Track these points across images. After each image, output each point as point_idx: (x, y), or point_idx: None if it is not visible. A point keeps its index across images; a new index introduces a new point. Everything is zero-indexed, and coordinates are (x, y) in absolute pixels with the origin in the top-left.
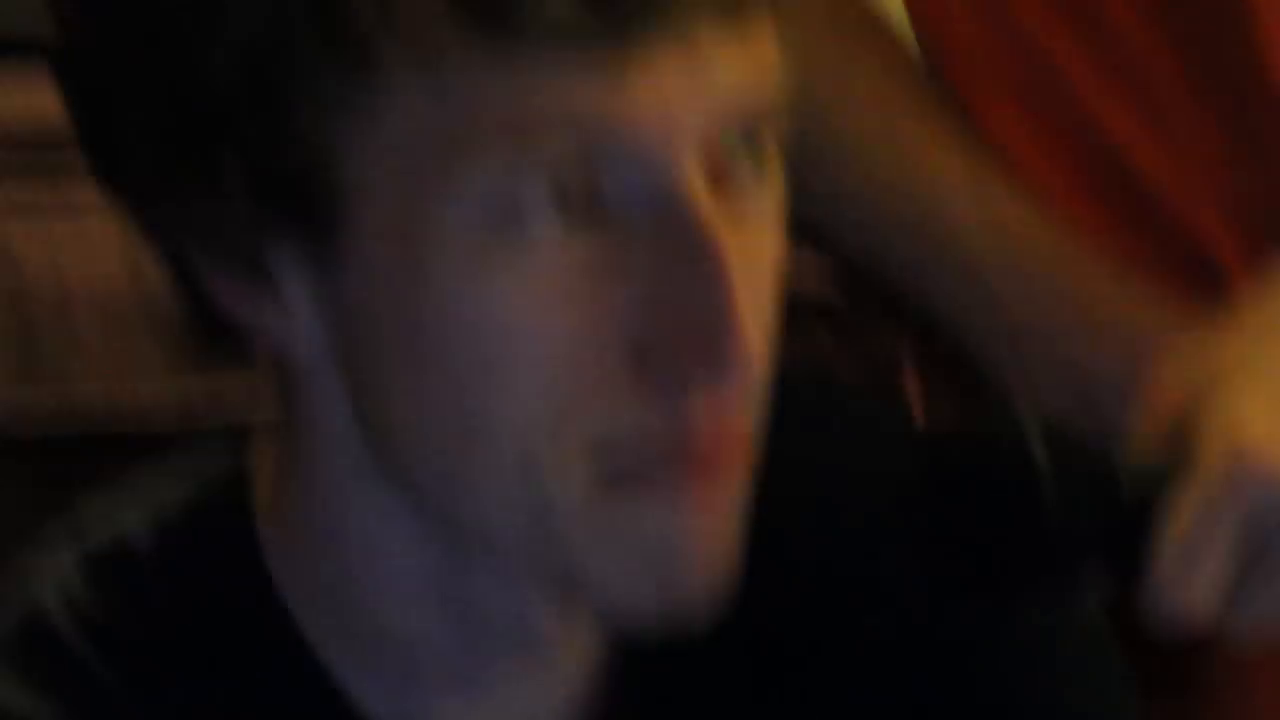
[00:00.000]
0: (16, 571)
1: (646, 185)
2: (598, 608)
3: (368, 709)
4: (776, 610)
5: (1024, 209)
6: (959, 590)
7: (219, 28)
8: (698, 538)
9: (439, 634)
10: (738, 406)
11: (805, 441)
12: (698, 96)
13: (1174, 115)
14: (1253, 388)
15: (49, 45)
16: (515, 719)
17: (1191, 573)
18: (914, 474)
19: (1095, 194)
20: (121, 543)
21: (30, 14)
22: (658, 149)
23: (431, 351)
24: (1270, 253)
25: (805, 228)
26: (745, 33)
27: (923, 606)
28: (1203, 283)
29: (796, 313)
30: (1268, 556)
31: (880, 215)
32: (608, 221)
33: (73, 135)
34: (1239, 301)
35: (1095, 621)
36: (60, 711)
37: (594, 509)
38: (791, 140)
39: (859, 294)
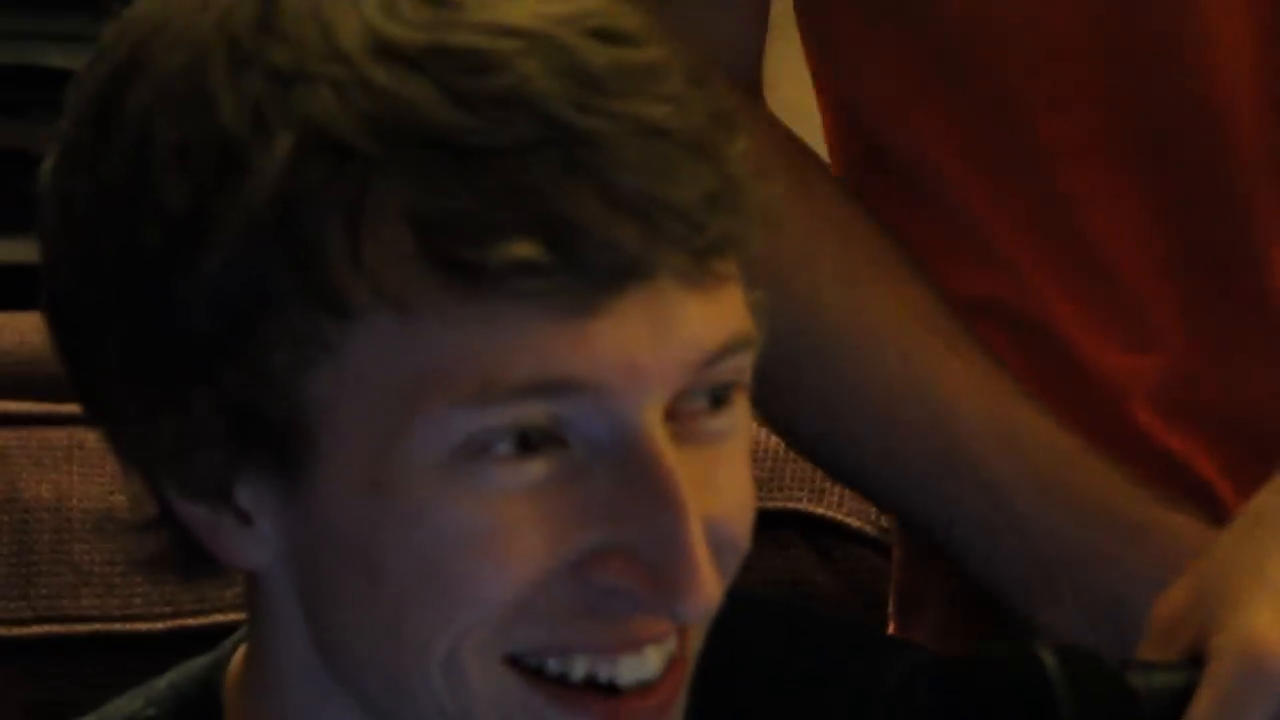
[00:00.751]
0: None
1: (608, 428)
2: None
3: None
4: None
5: (1038, 415)
6: None
7: (195, 268)
8: None
9: None
10: (683, 636)
11: (782, 656)
12: (663, 349)
13: (1163, 334)
14: (1262, 596)
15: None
16: None
17: None
18: (908, 688)
19: (1067, 409)
20: None
21: None
22: (621, 399)
23: (383, 570)
24: (1256, 475)
25: (795, 438)
26: (711, 285)
27: None
28: (1197, 506)
29: (777, 524)
30: None
31: (889, 425)
32: (568, 445)
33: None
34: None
35: None
36: None
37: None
38: (787, 345)
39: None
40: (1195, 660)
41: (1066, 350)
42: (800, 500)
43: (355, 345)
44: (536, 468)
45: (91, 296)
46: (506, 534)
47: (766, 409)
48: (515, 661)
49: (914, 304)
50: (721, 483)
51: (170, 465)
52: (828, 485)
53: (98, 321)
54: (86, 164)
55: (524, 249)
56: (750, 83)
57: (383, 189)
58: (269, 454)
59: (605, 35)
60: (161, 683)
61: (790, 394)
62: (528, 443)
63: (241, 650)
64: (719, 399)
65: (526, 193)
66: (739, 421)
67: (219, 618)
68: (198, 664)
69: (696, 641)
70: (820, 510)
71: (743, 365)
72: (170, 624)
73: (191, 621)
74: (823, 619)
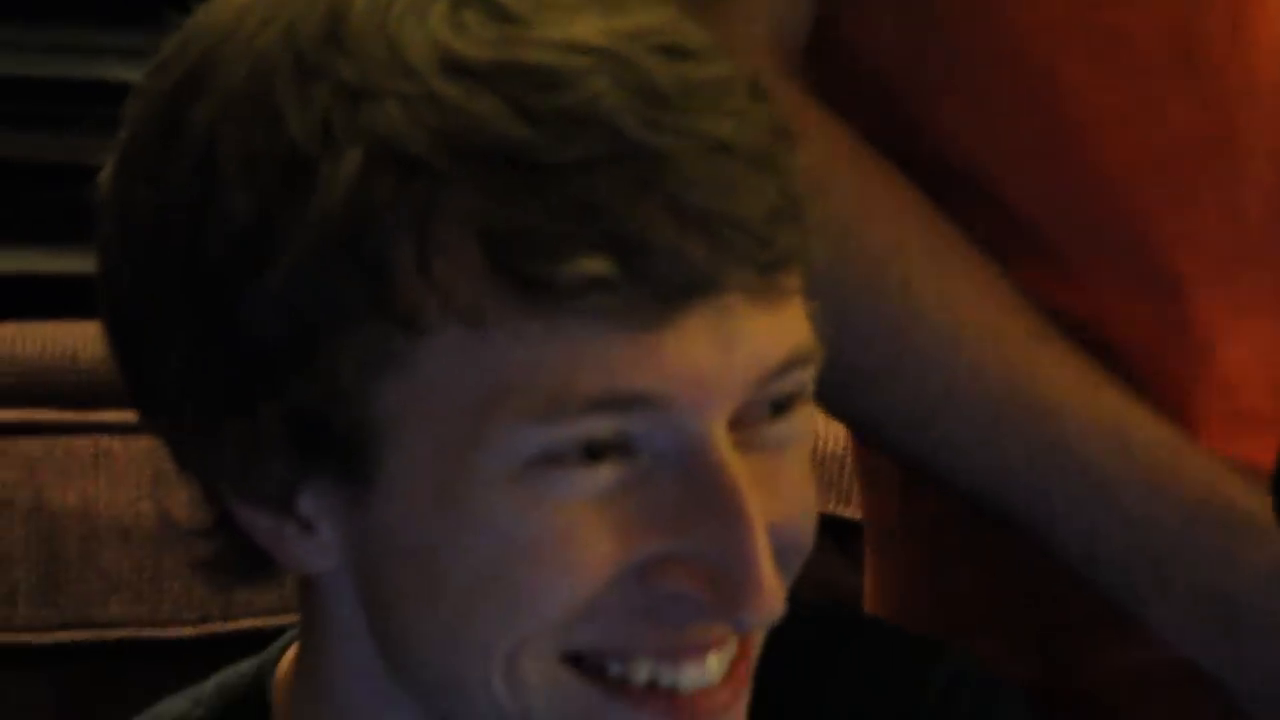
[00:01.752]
0: None
1: (674, 440)
2: None
3: None
4: None
5: (1141, 410)
6: None
7: (261, 280)
8: None
9: None
10: (745, 640)
11: (825, 662)
12: (729, 363)
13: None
14: None
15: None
16: None
17: None
18: (949, 701)
19: None
20: None
21: None
22: (687, 413)
23: (447, 576)
24: None
25: (881, 435)
26: (776, 299)
27: None
28: None
29: None
30: None
31: (991, 425)
32: (635, 454)
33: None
34: None
35: None
36: None
37: (580, 714)
38: (880, 344)
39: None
40: None
41: (1119, 359)
42: (828, 504)
43: (424, 358)
44: (603, 475)
45: (153, 307)
46: (572, 541)
47: (849, 407)
48: (576, 661)
49: (1004, 299)
50: (784, 488)
51: (232, 473)
52: (854, 489)
53: (160, 332)
54: (149, 175)
55: (594, 265)
56: (797, 64)
57: (452, 204)
58: (334, 463)
59: (672, 51)
60: (208, 685)
61: (881, 393)
62: (595, 451)
63: (291, 652)
64: (781, 407)
65: (596, 209)
66: (801, 428)
67: (247, 623)
68: (245, 666)
69: (758, 646)
70: (848, 514)
71: (804, 378)
72: (199, 629)
73: (220, 627)
74: (864, 624)
